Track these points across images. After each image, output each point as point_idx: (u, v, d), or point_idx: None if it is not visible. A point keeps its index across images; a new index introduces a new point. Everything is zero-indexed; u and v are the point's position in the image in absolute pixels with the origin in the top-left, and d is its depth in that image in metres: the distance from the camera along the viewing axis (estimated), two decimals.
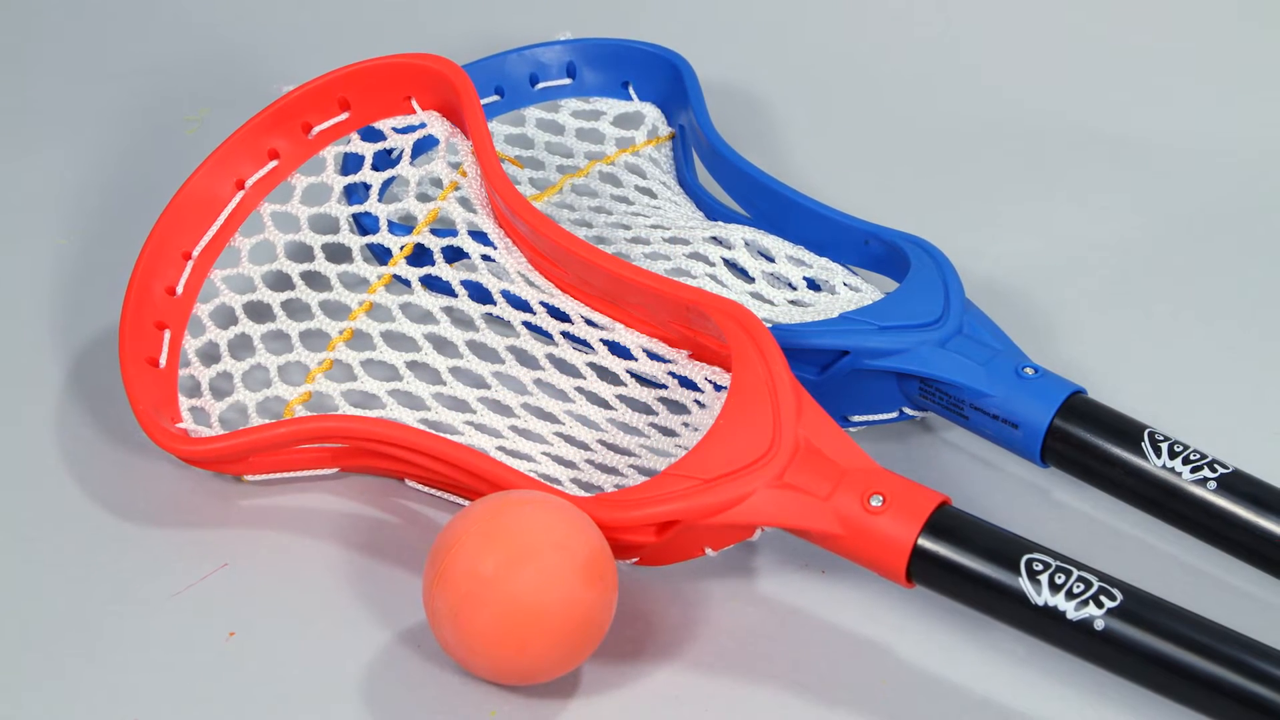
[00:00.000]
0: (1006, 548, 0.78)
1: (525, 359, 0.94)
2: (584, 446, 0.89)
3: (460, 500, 0.88)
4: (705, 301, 0.87)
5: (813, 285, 0.98)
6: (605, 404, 0.91)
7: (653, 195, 1.06)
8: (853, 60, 1.23)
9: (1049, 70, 1.22)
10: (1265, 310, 1.04)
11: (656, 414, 0.90)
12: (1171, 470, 0.84)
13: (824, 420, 0.82)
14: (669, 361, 0.90)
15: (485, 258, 0.95)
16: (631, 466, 0.88)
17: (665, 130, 1.09)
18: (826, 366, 0.91)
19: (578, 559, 0.77)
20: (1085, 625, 0.76)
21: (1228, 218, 1.11)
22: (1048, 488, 0.91)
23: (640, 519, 0.80)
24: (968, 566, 0.78)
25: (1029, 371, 0.88)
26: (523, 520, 0.78)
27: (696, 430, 0.88)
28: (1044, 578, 0.76)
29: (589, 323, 0.92)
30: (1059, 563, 0.77)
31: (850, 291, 0.96)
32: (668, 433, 0.90)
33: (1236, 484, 0.83)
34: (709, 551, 0.83)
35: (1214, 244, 1.09)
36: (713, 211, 1.04)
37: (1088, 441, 0.86)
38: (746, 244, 0.99)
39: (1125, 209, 1.12)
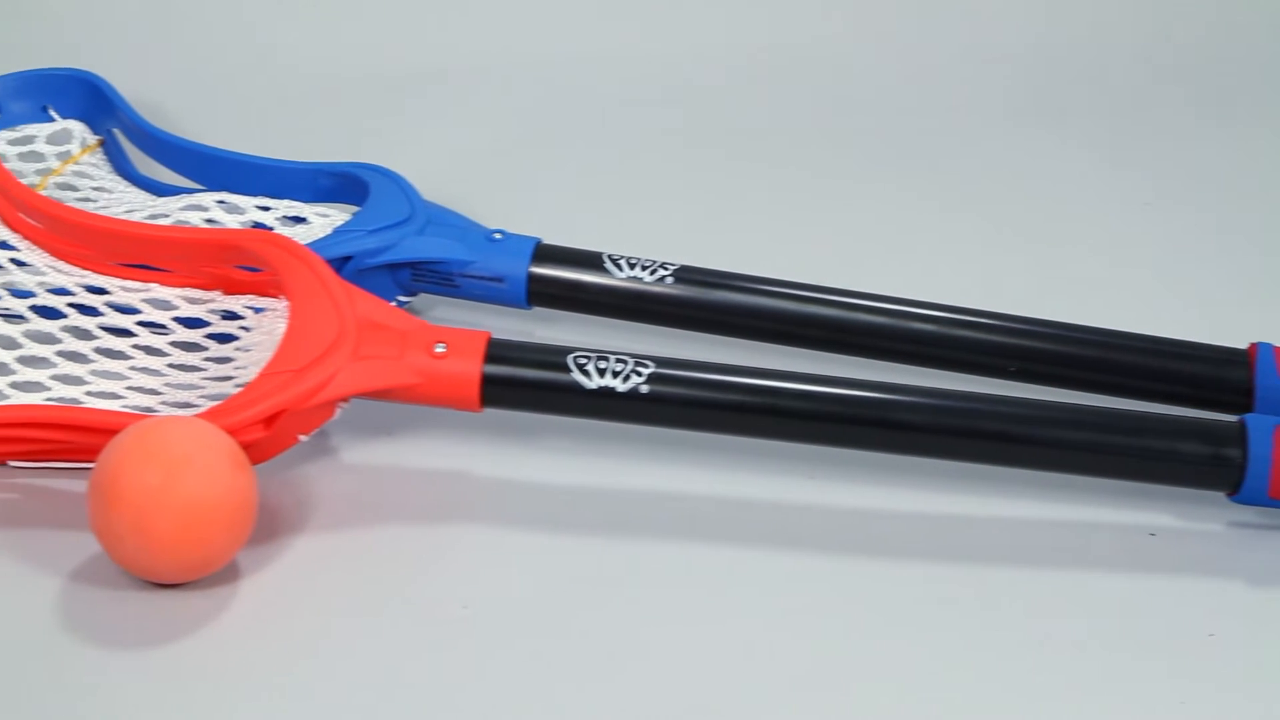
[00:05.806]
0: (553, 355, 0.97)
1: (80, 334, 1.05)
2: (154, 392, 1.02)
3: (66, 465, 0.99)
4: (244, 236, 1.02)
5: (287, 223, 1.15)
6: (161, 352, 1.04)
7: (109, 192, 1.19)
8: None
9: None
10: None
11: (207, 348, 1.04)
12: (635, 279, 1.06)
13: (373, 299, 0.99)
14: (207, 301, 1.05)
15: (15, 261, 1.06)
16: (202, 397, 1.02)
17: (93, 139, 1.22)
18: None
19: (224, 452, 0.91)
20: (634, 393, 0.96)
21: None
22: (533, 327, 1.12)
23: (254, 416, 0.94)
24: (528, 377, 0.97)
25: (497, 236, 1.08)
26: (169, 434, 0.90)
27: (249, 350, 1.03)
28: (590, 367, 0.97)
29: (126, 289, 1.05)
30: (597, 354, 0.97)
31: (322, 218, 1.13)
32: (223, 360, 1.04)
33: (686, 275, 1.06)
34: (301, 438, 0.98)
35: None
36: (165, 192, 1.18)
37: (560, 276, 1.07)
38: (218, 204, 1.14)
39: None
